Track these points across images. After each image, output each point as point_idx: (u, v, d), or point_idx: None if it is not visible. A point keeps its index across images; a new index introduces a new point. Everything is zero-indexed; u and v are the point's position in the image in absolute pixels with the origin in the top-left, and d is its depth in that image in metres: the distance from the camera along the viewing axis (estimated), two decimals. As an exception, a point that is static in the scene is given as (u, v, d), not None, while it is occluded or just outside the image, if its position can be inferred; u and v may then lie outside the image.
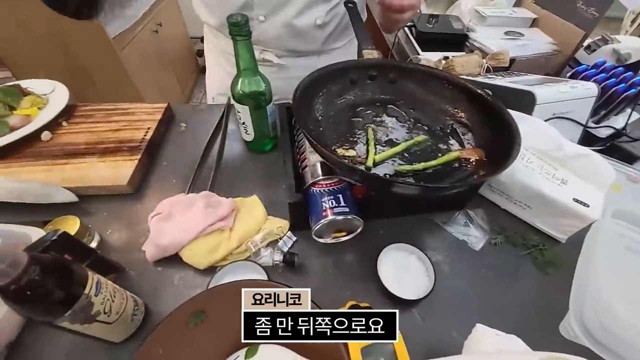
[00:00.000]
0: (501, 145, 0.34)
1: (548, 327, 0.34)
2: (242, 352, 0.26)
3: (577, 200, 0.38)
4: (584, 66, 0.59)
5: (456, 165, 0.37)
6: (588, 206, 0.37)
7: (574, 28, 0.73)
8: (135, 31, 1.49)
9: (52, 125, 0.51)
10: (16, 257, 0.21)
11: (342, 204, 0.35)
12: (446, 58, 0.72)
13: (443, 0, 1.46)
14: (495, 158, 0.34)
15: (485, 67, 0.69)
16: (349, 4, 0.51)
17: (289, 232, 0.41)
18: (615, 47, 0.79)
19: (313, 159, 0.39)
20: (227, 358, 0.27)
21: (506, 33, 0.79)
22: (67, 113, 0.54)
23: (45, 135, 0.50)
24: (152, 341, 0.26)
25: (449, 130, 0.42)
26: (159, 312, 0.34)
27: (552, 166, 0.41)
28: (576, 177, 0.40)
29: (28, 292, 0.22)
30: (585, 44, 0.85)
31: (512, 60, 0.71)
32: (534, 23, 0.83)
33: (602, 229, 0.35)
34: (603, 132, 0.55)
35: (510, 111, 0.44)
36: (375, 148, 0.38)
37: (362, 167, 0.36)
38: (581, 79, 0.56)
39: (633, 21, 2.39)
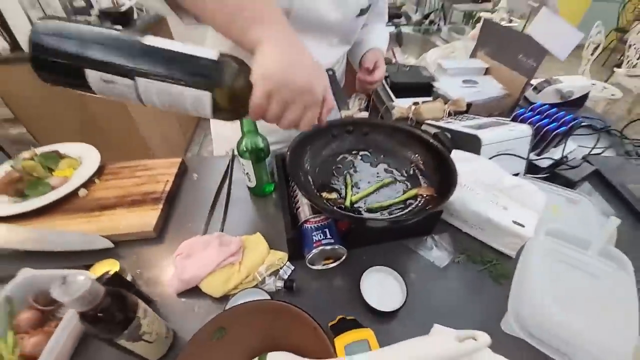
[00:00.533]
0: (446, 184, 0.44)
1: (498, 326, 0.42)
2: (255, 360, 0.34)
3: (515, 222, 0.48)
4: (522, 110, 0.72)
5: (413, 200, 0.47)
6: (524, 226, 0.47)
7: (518, 75, 0.87)
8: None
9: (86, 183, 0.61)
10: (96, 289, 0.29)
11: (329, 236, 0.44)
12: (415, 104, 0.85)
13: (415, 51, 1.66)
14: (442, 194, 0.44)
15: (447, 111, 0.82)
16: (329, 72, 0.64)
17: (288, 262, 0.49)
18: (558, 87, 0.94)
19: (304, 201, 0.48)
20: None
21: (464, 81, 0.93)
22: (98, 171, 0.64)
23: (82, 192, 0.59)
24: (184, 353, 0.33)
25: (410, 173, 0.53)
26: (184, 336, 0.42)
27: (495, 196, 0.51)
28: (514, 203, 0.50)
29: (100, 316, 0.30)
30: (535, 83, 1.00)
31: (470, 105, 0.84)
32: (486, 72, 0.99)
33: (535, 244, 0.44)
34: (545, 163, 0.66)
35: (462, 152, 0.55)
36: (352, 190, 0.48)
37: (342, 207, 0.45)
38: (520, 121, 0.69)
39: (593, 52, 2.64)
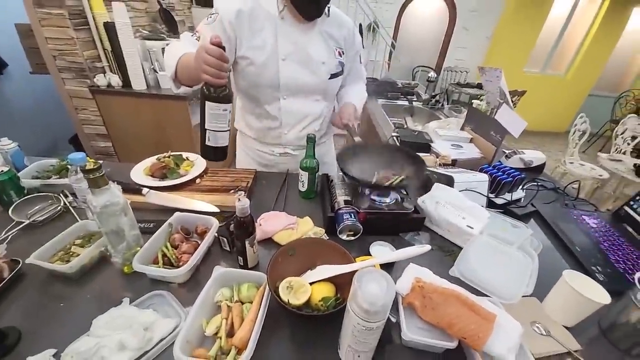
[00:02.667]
0: (420, 175, 0.75)
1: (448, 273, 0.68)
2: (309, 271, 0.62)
3: (468, 226, 0.76)
4: (486, 165, 1.04)
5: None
6: (473, 228, 0.76)
7: (490, 145, 1.21)
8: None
9: (199, 175, 0.95)
10: (247, 208, 0.60)
11: (353, 218, 0.74)
12: (416, 156, 1.18)
13: (422, 121, 2.07)
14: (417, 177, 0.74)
15: (438, 162, 1.15)
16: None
17: (325, 233, 0.78)
18: (521, 157, 1.27)
19: (340, 198, 0.79)
20: (303, 273, 0.62)
21: (452, 145, 1.28)
22: (204, 170, 0.98)
23: (198, 180, 0.93)
24: (275, 258, 0.62)
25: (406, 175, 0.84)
26: (263, 263, 0.70)
27: (458, 211, 0.81)
28: (469, 216, 0.79)
29: (244, 223, 0.60)
30: (507, 152, 1.33)
31: (455, 161, 1.17)
32: (471, 140, 1.34)
33: (477, 237, 0.72)
34: (500, 201, 0.96)
35: (442, 185, 0.86)
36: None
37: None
38: (484, 172, 1.00)
39: (580, 137, 3.00)
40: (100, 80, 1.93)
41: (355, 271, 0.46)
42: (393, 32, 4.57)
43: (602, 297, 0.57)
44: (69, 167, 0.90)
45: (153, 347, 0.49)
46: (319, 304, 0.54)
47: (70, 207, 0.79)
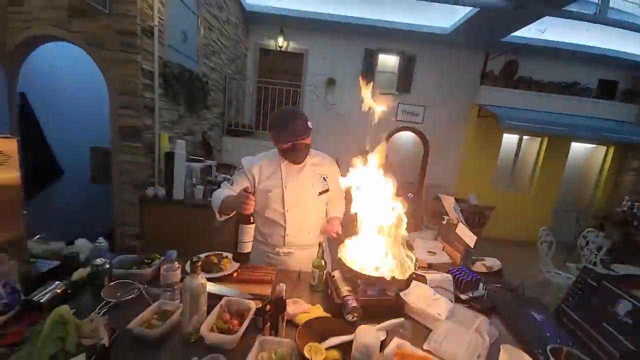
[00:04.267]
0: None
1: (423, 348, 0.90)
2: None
3: (437, 314, 1.02)
4: (452, 269, 1.34)
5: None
6: (440, 315, 1.01)
7: (456, 252, 1.55)
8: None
9: (235, 271, 1.24)
10: (283, 292, 0.88)
11: (355, 304, 1.01)
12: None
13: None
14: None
15: (417, 266, 1.46)
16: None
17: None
18: (483, 263, 1.59)
19: (344, 289, 1.08)
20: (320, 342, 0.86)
21: (428, 252, 1.61)
22: (238, 267, 1.28)
23: (235, 274, 1.22)
24: (299, 330, 0.86)
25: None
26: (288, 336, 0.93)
27: (430, 301, 1.08)
28: (437, 305, 1.06)
29: (281, 303, 0.88)
30: (474, 259, 1.65)
31: (430, 264, 1.49)
32: (444, 248, 1.68)
33: (443, 322, 0.98)
34: (464, 297, 1.22)
35: (419, 282, 1.16)
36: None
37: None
38: (449, 273, 1.30)
39: (549, 248, 3.35)
40: (150, 191, 2.41)
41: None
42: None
43: (528, 364, 0.80)
44: (153, 261, 1.21)
45: None
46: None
47: (143, 292, 1.06)
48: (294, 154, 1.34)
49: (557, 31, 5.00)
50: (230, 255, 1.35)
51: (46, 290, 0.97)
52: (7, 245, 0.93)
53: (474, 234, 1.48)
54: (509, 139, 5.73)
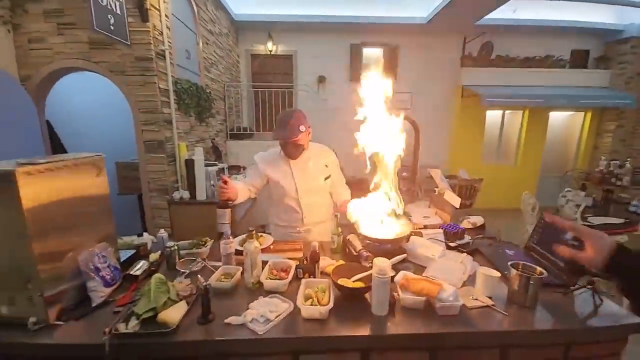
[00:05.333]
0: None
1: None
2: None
3: (432, 255, 1.34)
4: (443, 225, 1.66)
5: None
6: (434, 255, 1.33)
7: (446, 214, 1.87)
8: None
9: (270, 245, 1.55)
10: (316, 248, 1.19)
11: (368, 253, 1.32)
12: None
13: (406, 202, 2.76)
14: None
15: (416, 227, 1.77)
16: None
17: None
18: (469, 220, 1.91)
19: (357, 245, 1.39)
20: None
21: (424, 216, 1.93)
22: (272, 243, 1.59)
23: (271, 247, 1.53)
24: (333, 271, 1.17)
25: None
26: (321, 281, 1.25)
27: (425, 247, 1.39)
28: (430, 248, 1.37)
29: (317, 256, 1.19)
30: (461, 218, 1.97)
31: (425, 225, 1.80)
32: (436, 213, 2.00)
33: (435, 260, 1.29)
34: (453, 244, 1.54)
35: (417, 237, 1.48)
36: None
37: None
38: (440, 228, 1.62)
39: (532, 210, 3.73)
40: (176, 195, 2.70)
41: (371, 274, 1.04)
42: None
43: (495, 274, 1.12)
44: (206, 243, 1.51)
45: (278, 316, 1.01)
46: (358, 286, 1.09)
47: (206, 264, 1.37)
48: (286, 150, 1.64)
49: (528, 8, 5.29)
50: (264, 235, 1.66)
51: (137, 268, 1.28)
52: (105, 238, 1.22)
53: (466, 205, 1.81)
54: (493, 115, 6.05)
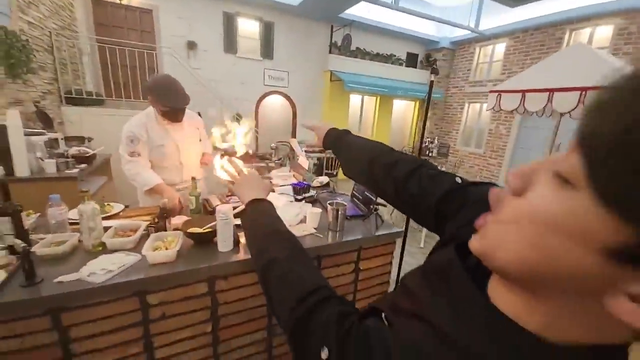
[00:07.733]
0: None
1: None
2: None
3: (276, 205, 1.63)
4: (293, 183, 2.01)
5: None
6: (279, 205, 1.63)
7: (301, 177, 2.23)
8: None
9: (120, 211, 1.48)
10: (164, 205, 1.26)
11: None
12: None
13: (287, 171, 3.04)
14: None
15: (278, 186, 2.05)
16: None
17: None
18: (317, 179, 2.35)
19: (215, 202, 1.53)
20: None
21: (282, 179, 2.24)
22: (122, 210, 1.52)
23: (121, 213, 1.47)
24: (183, 224, 1.28)
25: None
26: (176, 236, 1.33)
27: (273, 197, 1.68)
28: (281, 196, 1.67)
29: (166, 214, 1.25)
30: (313, 179, 2.39)
31: (284, 185, 2.11)
32: (294, 176, 2.35)
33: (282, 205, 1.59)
34: (300, 197, 1.91)
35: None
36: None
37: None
38: (294, 186, 1.95)
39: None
40: (-22, 172, 2.04)
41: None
42: (255, 118, 5.92)
43: (317, 210, 1.51)
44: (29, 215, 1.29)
45: (122, 267, 1.06)
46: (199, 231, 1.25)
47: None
48: (175, 116, 1.67)
49: (378, 11, 6.37)
50: (112, 203, 1.56)
51: None
52: None
53: (335, 174, 2.19)
54: (355, 99, 7.14)
